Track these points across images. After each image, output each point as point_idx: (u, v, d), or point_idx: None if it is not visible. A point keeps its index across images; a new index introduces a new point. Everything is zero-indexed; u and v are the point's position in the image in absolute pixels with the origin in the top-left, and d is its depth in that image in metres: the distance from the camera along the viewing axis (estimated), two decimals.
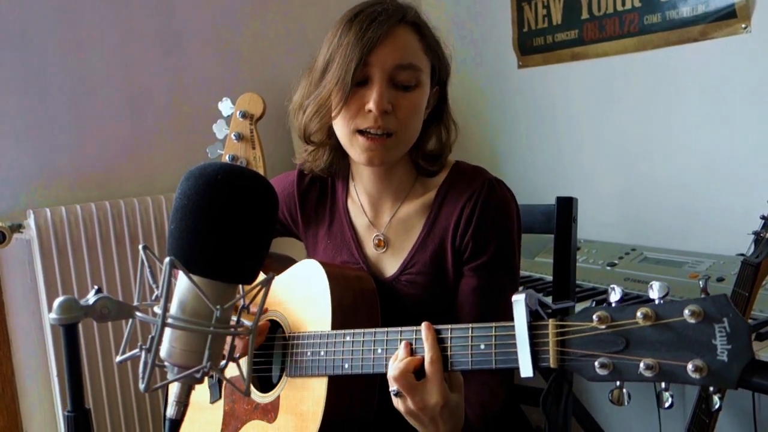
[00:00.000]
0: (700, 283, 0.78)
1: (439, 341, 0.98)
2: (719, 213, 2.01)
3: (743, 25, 1.89)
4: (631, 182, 2.25)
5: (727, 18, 1.91)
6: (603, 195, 2.31)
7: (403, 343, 1.01)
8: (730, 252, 1.85)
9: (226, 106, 1.34)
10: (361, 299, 1.19)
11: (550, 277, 1.78)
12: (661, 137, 2.15)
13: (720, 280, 1.78)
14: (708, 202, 2.04)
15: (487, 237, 1.19)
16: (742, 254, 1.47)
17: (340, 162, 1.30)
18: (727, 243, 1.87)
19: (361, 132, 1.16)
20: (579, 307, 1.84)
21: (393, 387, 1.00)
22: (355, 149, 1.18)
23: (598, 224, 2.27)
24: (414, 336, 1.02)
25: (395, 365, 1.00)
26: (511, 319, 1.20)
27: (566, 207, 1.56)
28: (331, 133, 1.24)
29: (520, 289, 0.90)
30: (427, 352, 0.98)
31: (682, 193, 2.11)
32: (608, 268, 2.06)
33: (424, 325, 1.00)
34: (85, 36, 2.15)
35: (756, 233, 1.42)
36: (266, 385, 1.25)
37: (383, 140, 1.15)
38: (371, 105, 1.13)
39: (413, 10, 1.19)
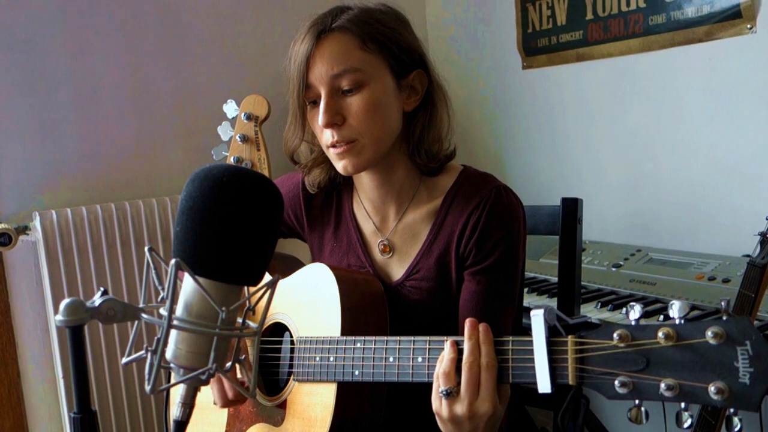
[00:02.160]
0: (722, 304, 0.77)
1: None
2: (725, 214, 2.00)
3: (748, 26, 1.89)
4: (637, 183, 2.24)
5: (732, 18, 1.91)
6: (608, 196, 2.31)
7: (449, 342, 0.97)
8: (736, 253, 1.84)
9: (230, 108, 1.34)
10: (370, 303, 1.19)
11: (555, 279, 1.77)
12: (666, 138, 2.14)
13: (726, 281, 1.77)
14: (714, 203, 2.03)
15: (490, 244, 1.18)
16: (748, 255, 1.46)
17: (338, 174, 1.30)
18: (733, 244, 1.87)
19: (331, 146, 1.18)
20: (584, 308, 1.84)
21: (447, 386, 0.95)
22: (334, 162, 1.21)
23: (604, 225, 2.26)
24: (427, 346, 1.01)
25: (450, 364, 0.95)
26: (508, 328, 1.20)
27: (571, 208, 1.56)
28: (320, 150, 1.27)
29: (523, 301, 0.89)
30: (483, 357, 0.94)
31: (687, 193, 2.10)
32: (614, 269, 2.05)
33: (481, 327, 0.96)
34: (90, 38, 2.16)
35: (762, 234, 1.42)
36: (273, 389, 1.24)
37: (348, 147, 1.16)
38: (319, 121, 1.16)
39: (346, 13, 1.18)
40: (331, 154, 1.20)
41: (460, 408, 0.94)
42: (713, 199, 2.04)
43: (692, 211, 2.09)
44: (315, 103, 1.18)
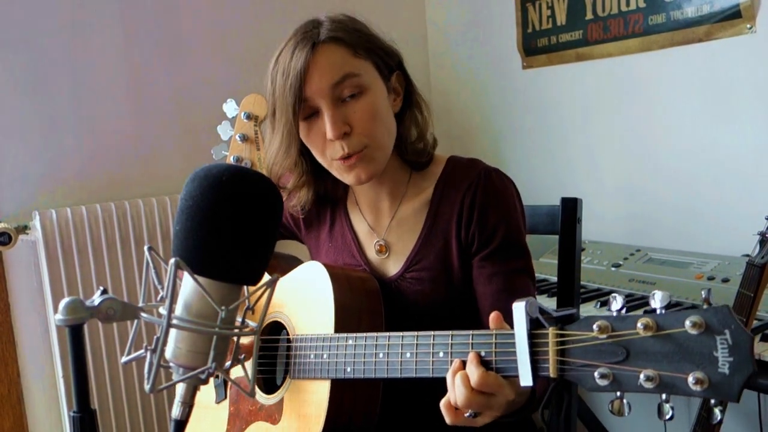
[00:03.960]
0: (703, 293, 0.76)
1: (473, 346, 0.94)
2: (724, 213, 2.00)
3: (748, 26, 1.89)
4: (636, 183, 2.25)
5: (732, 18, 1.91)
6: (608, 195, 2.31)
7: (455, 363, 0.94)
8: (736, 253, 1.84)
9: (230, 108, 1.34)
10: (365, 301, 1.19)
11: (554, 278, 1.77)
12: (666, 138, 2.15)
13: (725, 280, 1.78)
14: (713, 203, 2.04)
15: (492, 224, 1.19)
16: (748, 255, 1.46)
17: (328, 187, 1.30)
18: (733, 244, 1.87)
19: (340, 158, 1.17)
20: (583, 308, 1.84)
21: (469, 412, 0.94)
22: (341, 175, 1.20)
23: (603, 225, 2.26)
24: (416, 341, 1.00)
25: (461, 392, 0.92)
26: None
27: (571, 207, 1.56)
28: (301, 173, 1.26)
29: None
30: (473, 380, 0.91)
31: (687, 193, 2.10)
32: (613, 269, 2.06)
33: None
34: (90, 38, 2.16)
35: (761, 234, 1.42)
36: (271, 387, 1.25)
37: (359, 155, 1.16)
38: (329, 135, 1.14)
39: (326, 24, 1.17)
40: (339, 166, 1.18)
41: (492, 413, 0.94)
42: (712, 198, 2.04)
43: (691, 211, 2.09)
44: (309, 118, 1.17)
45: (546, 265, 2.15)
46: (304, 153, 1.24)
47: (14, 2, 2.04)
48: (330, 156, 1.17)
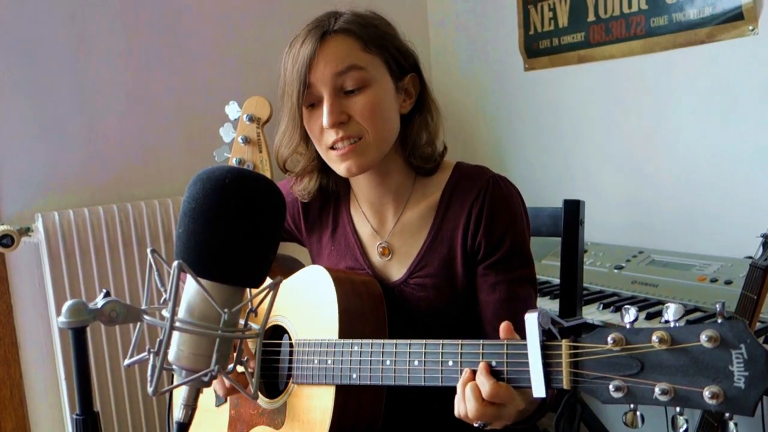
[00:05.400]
0: (717, 306, 0.76)
1: (476, 355, 0.95)
2: (727, 215, 2.00)
3: (750, 27, 1.88)
4: (639, 185, 2.24)
5: (734, 20, 1.91)
6: (610, 197, 2.30)
7: (465, 372, 0.94)
8: (739, 255, 1.84)
9: (233, 110, 1.34)
10: (368, 305, 1.18)
11: (557, 280, 1.77)
12: (668, 139, 2.14)
13: (728, 282, 1.77)
14: (716, 205, 2.03)
15: (498, 234, 1.19)
16: (751, 257, 1.46)
17: (331, 181, 1.31)
18: (735, 245, 1.86)
19: (332, 147, 1.18)
20: (586, 310, 1.83)
21: (478, 423, 0.94)
22: (334, 164, 1.20)
23: (605, 227, 2.26)
24: (423, 350, 1.00)
25: (471, 403, 0.92)
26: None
27: (573, 210, 1.56)
28: (310, 158, 1.27)
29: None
30: (485, 391, 0.92)
31: (689, 195, 2.10)
32: (615, 271, 2.05)
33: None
34: (93, 40, 2.17)
35: (764, 236, 1.42)
36: (273, 391, 1.25)
37: (353, 146, 1.16)
38: (324, 122, 1.15)
39: (343, 16, 1.19)
40: (333, 156, 1.18)
41: (503, 422, 0.95)
42: (715, 200, 2.03)
43: (694, 213, 2.09)
44: (313, 106, 1.18)
45: (548, 267, 2.15)
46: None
47: (17, 5, 2.04)
48: (326, 142, 1.18)
